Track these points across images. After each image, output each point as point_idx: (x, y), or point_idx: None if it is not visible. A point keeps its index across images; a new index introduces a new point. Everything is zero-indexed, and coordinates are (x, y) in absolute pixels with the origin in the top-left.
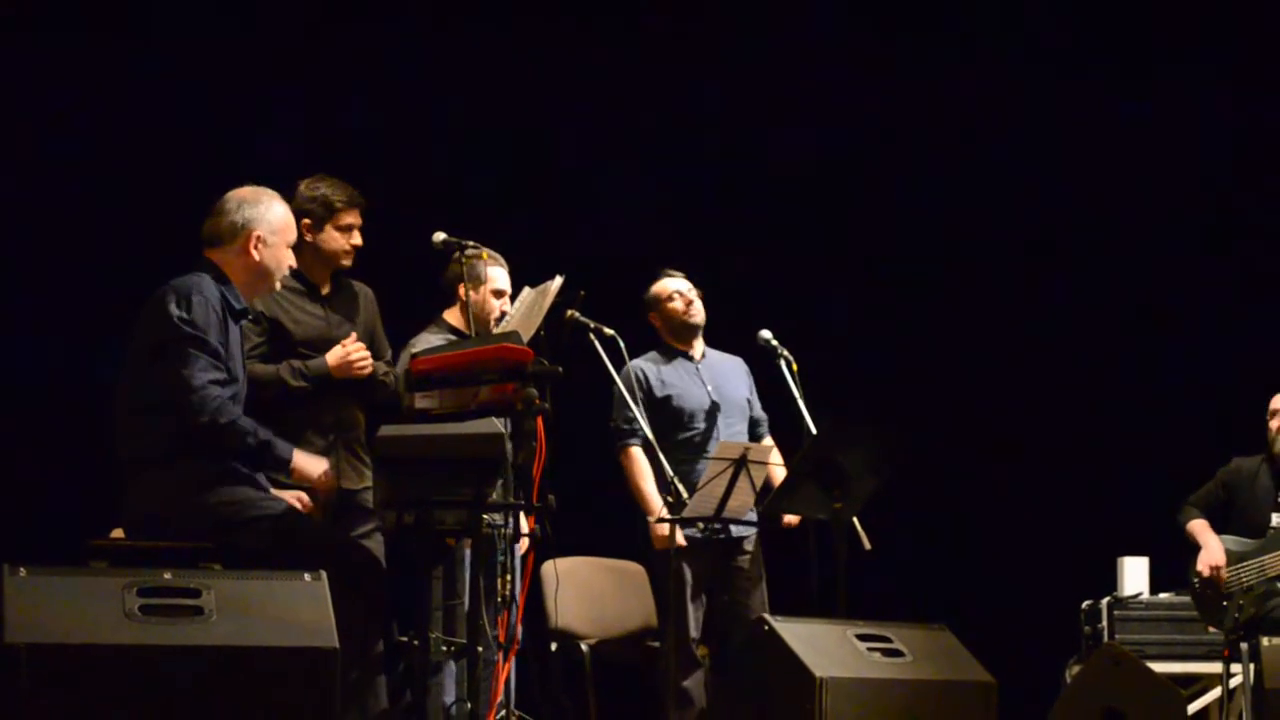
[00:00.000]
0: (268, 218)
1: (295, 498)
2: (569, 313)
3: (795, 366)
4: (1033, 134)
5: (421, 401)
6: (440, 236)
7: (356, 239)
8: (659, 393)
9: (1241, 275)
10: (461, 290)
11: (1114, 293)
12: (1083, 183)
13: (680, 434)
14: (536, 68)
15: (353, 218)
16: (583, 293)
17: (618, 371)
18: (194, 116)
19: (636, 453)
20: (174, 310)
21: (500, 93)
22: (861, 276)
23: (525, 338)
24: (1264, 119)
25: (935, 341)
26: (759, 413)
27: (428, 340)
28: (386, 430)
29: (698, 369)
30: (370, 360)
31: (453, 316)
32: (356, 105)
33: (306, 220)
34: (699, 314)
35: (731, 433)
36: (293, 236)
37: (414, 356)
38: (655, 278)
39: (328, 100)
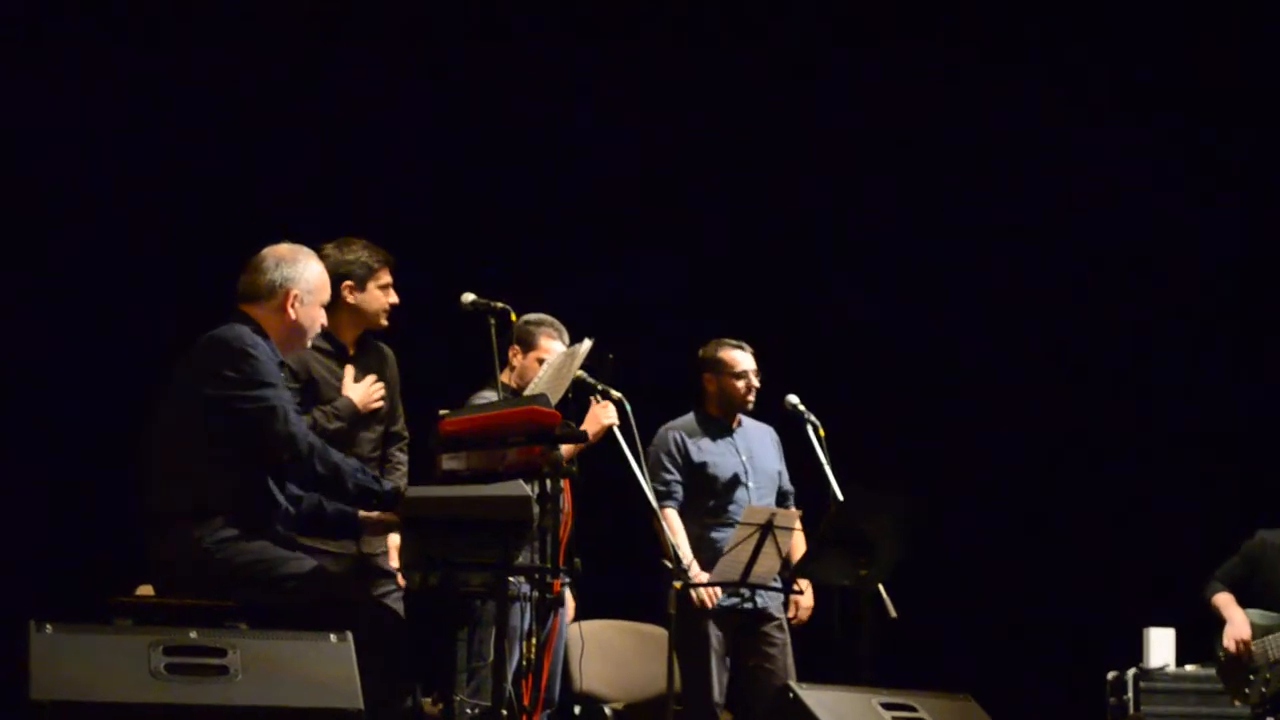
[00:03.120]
0: (305, 276)
1: None
2: (577, 372)
3: (823, 432)
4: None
5: (449, 463)
6: (469, 298)
7: (394, 297)
8: (695, 459)
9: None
10: (512, 353)
11: (1144, 365)
12: (1113, 264)
13: (711, 501)
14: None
15: (389, 276)
16: (611, 356)
17: (625, 437)
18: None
19: (672, 514)
20: (228, 371)
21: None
22: (890, 344)
23: (553, 400)
24: None
25: (963, 410)
26: (787, 485)
27: (487, 398)
28: (414, 491)
29: (734, 438)
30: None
31: (506, 379)
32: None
33: (349, 282)
34: (753, 397)
35: (762, 503)
36: (327, 296)
37: (441, 418)
38: (722, 343)
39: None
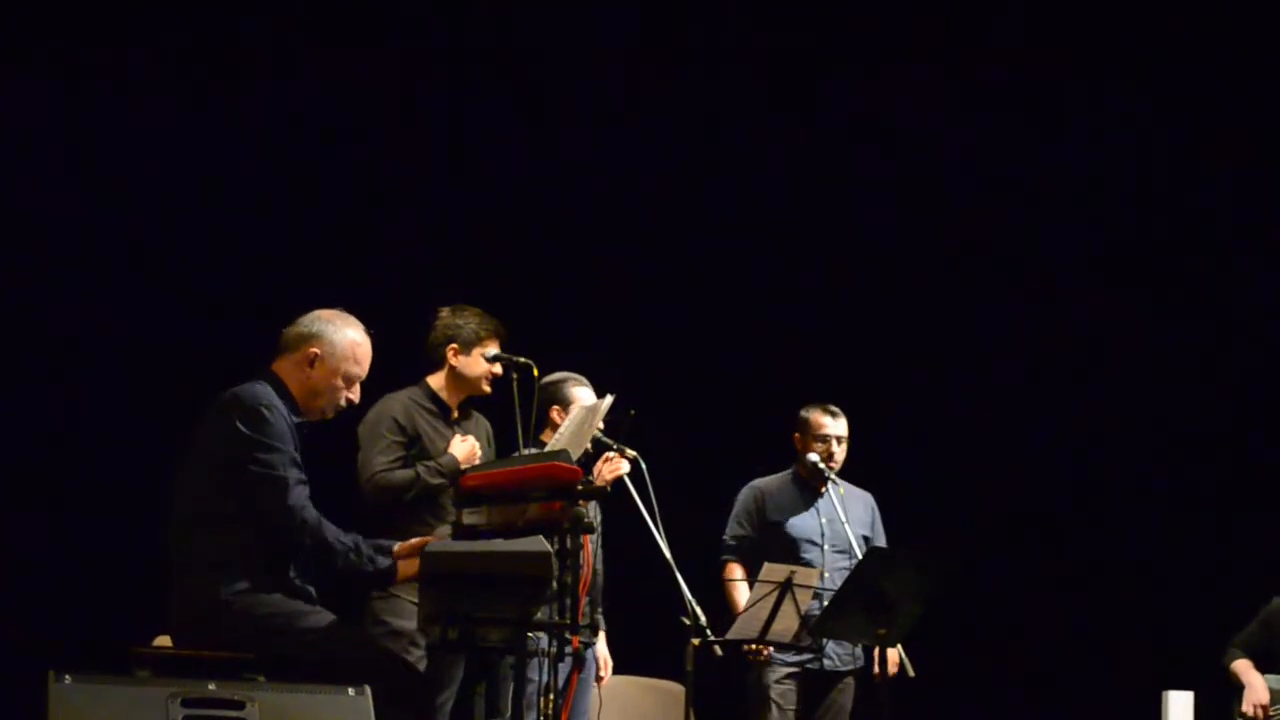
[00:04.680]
0: (334, 338)
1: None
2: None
3: (843, 491)
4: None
5: (469, 517)
6: (491, 352)
7: (497, 368)
8: (771, 517)
9: None
10: (554, 414)
11: (1166, 425)
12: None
13: (788, 561)
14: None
15: (496, 348)
16: (633, 412)
17: (640, 494)
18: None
19: (732, 568)
20: (242, 427)
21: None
22: (909, 405)
23: (574, 456)
24: None
25: (982, 471)
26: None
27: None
28: (434, 546)
29: (818, 498)
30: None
31: (548, 439)
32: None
33: (454, 345)
34: (835, 465)
35: (836, 567)
36: (356, 370)
37: (463, 474)
38: (812, 406)
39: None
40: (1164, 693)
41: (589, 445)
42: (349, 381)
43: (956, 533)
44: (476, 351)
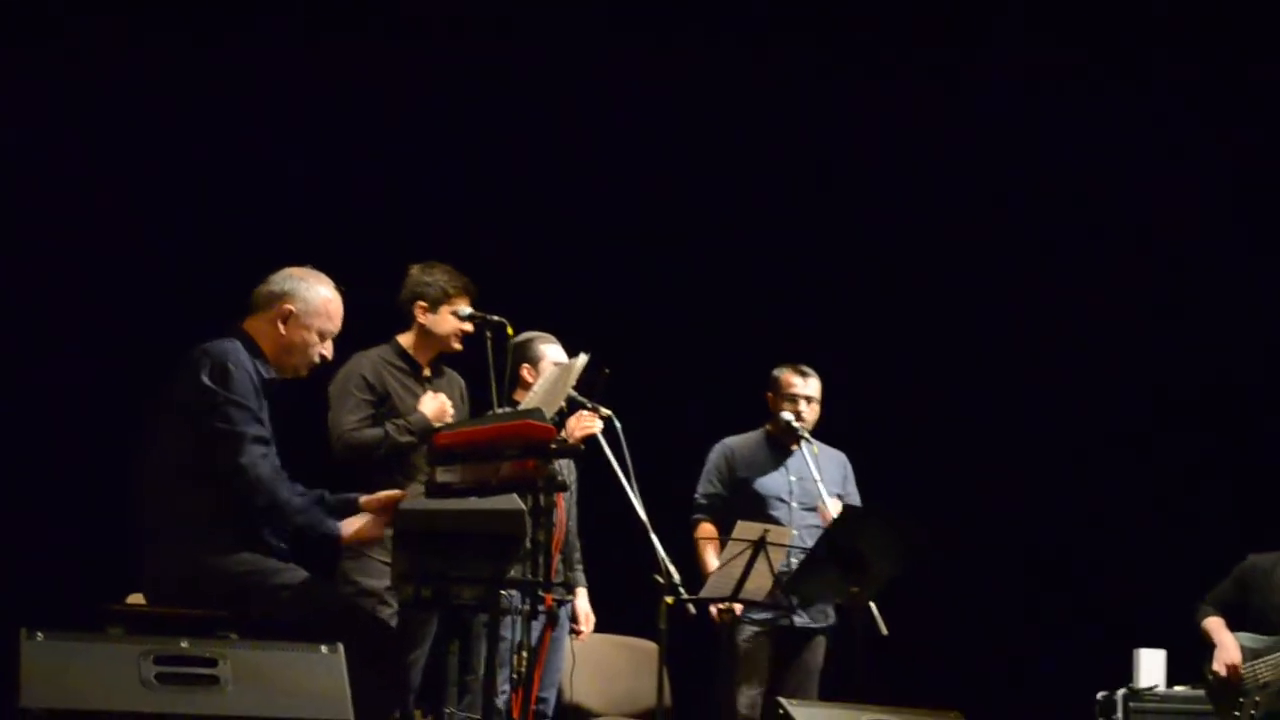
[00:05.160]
0: (306, 295)
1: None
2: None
3: (816, 450)
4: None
5: (443, 475)
6: (464, 310)
7: (468, 326)
8: (740, 474)
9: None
10: (525, 373)
11: (1135, 386)
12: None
13: (755, 518)
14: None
15: (465, 305)
16: (607, 371)
17: (614, 453)
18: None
19: (704, 527)
20: (207, 380)
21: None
22: (890, 366)
23: (548, 414)
24: None
25: (959, 430)
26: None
27: None
28: (407, 504)
29: (788, 456)
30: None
31: (520, 398)
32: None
33: (422, 302)
34: (805, 424)
35: (805, 525)
36: (329, 326)
37: (433, 432)
38: (788, 364)
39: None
40: (1135, 650)
41: (563, 404)
42: (323, 337)
43: (929, 490)
44: (444, 309)
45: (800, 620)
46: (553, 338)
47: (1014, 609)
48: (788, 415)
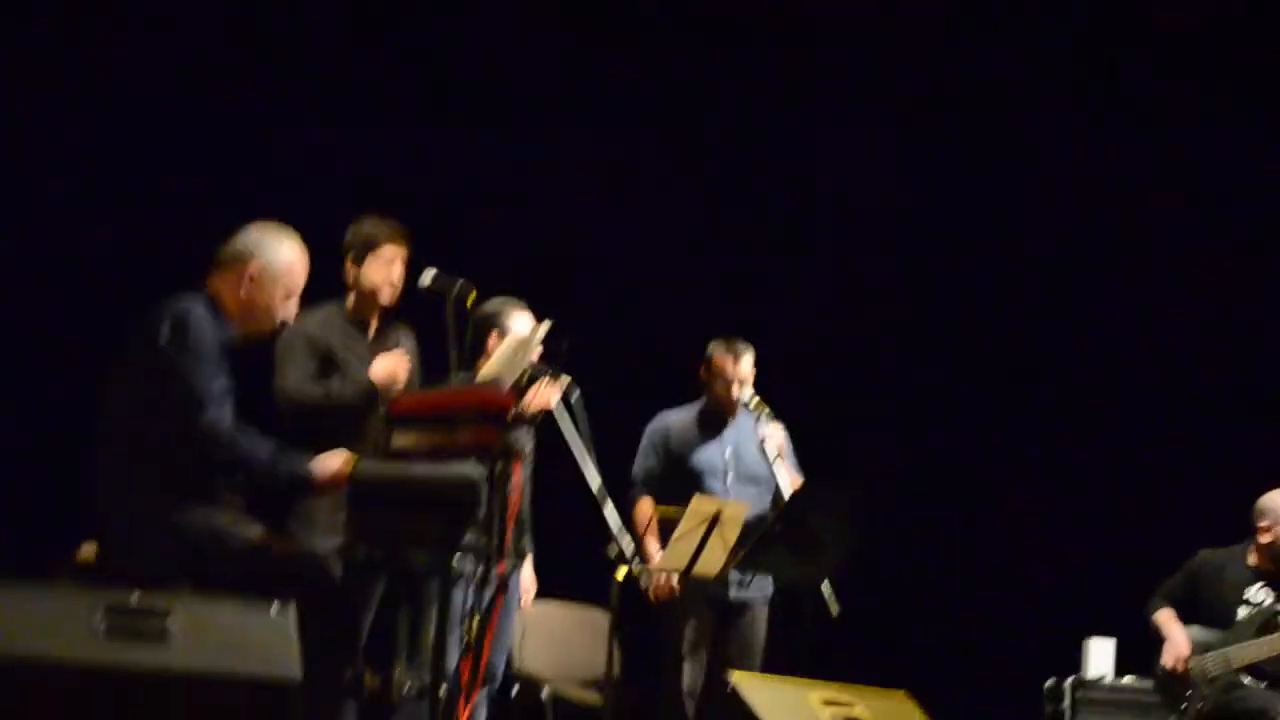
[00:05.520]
0: (270, 256)
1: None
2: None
3: (782, 429)
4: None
5: (400, 439)
6: (430, 274)
7: (396, 272)
8: (676, 449)
9: (1230, 364)
10: (491, 341)
11: (1100, 371)
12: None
13: (693, 493)
14: None
15: (393, 252)
16: (568, 340)
17: (574, 423)
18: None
19: (643, 502)
20: (166, 336)
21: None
22: (841, 336)
23: (507, 383)
24: None
25: (911, 408)
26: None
27: None
28: (363, 466)
29: (724, 430)
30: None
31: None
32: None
33: (350, 255)
34: (739, 402)
35: (745, 498)
36: (294, 284)
37: (395, 397)
38: (719, 343)
39: None
40: (1086, 639)
41: (523, 372)
42: (287, 297)
43: (882, 470)
44: (372, 258)
45: (735, 593)
46: (523, 305)
47: (964, 593)
48: (741, 395)
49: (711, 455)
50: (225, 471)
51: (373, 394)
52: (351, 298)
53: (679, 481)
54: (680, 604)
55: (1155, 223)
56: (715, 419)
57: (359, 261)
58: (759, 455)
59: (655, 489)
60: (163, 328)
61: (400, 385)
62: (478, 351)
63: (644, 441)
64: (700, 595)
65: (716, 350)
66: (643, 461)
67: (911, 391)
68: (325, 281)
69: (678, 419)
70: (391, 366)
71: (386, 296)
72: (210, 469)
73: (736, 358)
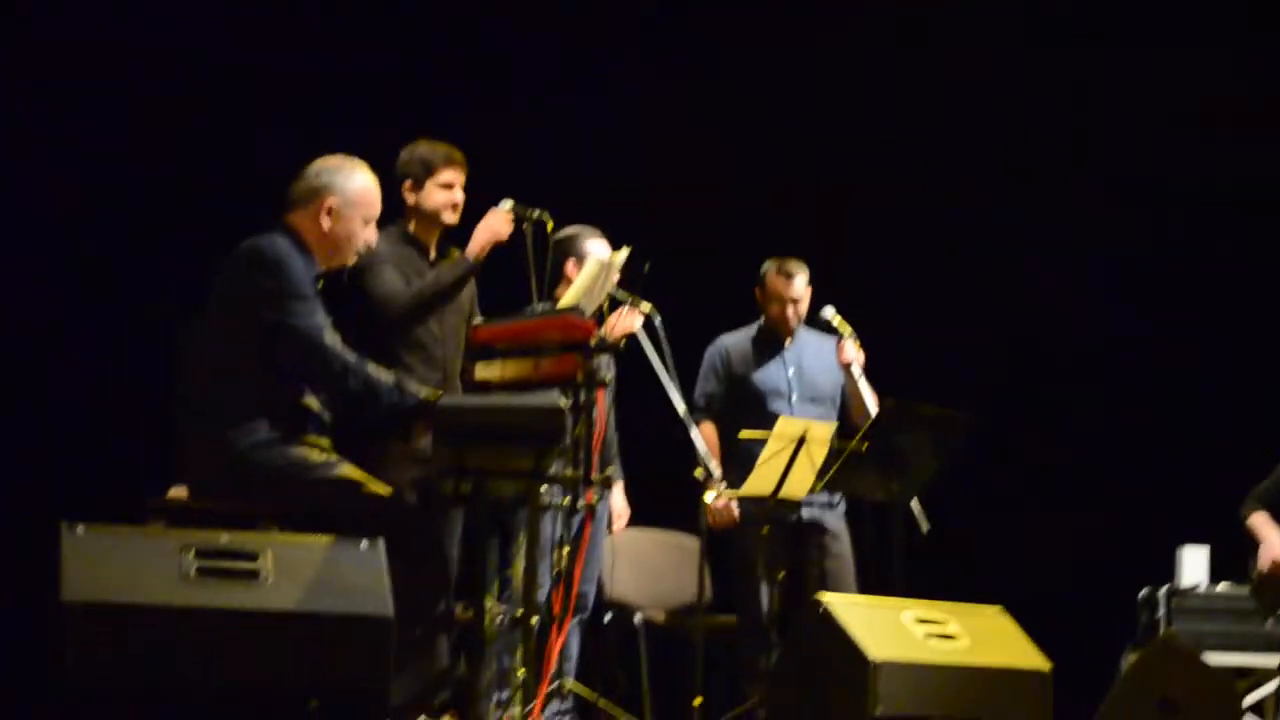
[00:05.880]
0: (345, 186)
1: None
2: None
3: (859, 344)
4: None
5: (482, 372)
6: (508, 204)
7: (457, 195)
8: (738, 371)
9: None
10: (569, 268)
11: (1178, 278)
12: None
13: (756, 415)
14: None
15: (451, 174)
16: (647, 266)
17: (654, 348)
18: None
19: (707, 428)
20: (264, 277)
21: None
22: (926, 257)
23: (589, 311)
24: None
25: (998, 324)
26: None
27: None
28: (447, 400)
29: (784, 350)
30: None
31: (563, 293)
32: None
33: (408, 182)
34: (795, 321)
35: (809, 417)
36: (372, 211)
37: (476, 327)
38: (773, 263)
39: None
40: (1178, 547)
41: (604, 300)
42: (366, 224)
43: (970, 385)
44: (430, 184)
45: (808, 513)
46: (598, 232)
47: (1055, 505)
48: (829, 311)
49: (774, 375)
50: (356, 397)
51: (472, 269)
52: (411, 222)
53: (742, 403)
54: (745, 529)
55: None
56: (773, 339)
57: (418, 185)
58: (822, 373)
59: (717, 412)
60: (258, 268)
61: (503, 238)
62: (556, 279)
63: (704, 365)
64: (768, 517)
65: (770, 270)
66: (703, 385)
67: (999, 302)
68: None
69: (735, 341)
70: (493, 225)
71: (449, 218)
72: (335, 400)
73: (790, 277)
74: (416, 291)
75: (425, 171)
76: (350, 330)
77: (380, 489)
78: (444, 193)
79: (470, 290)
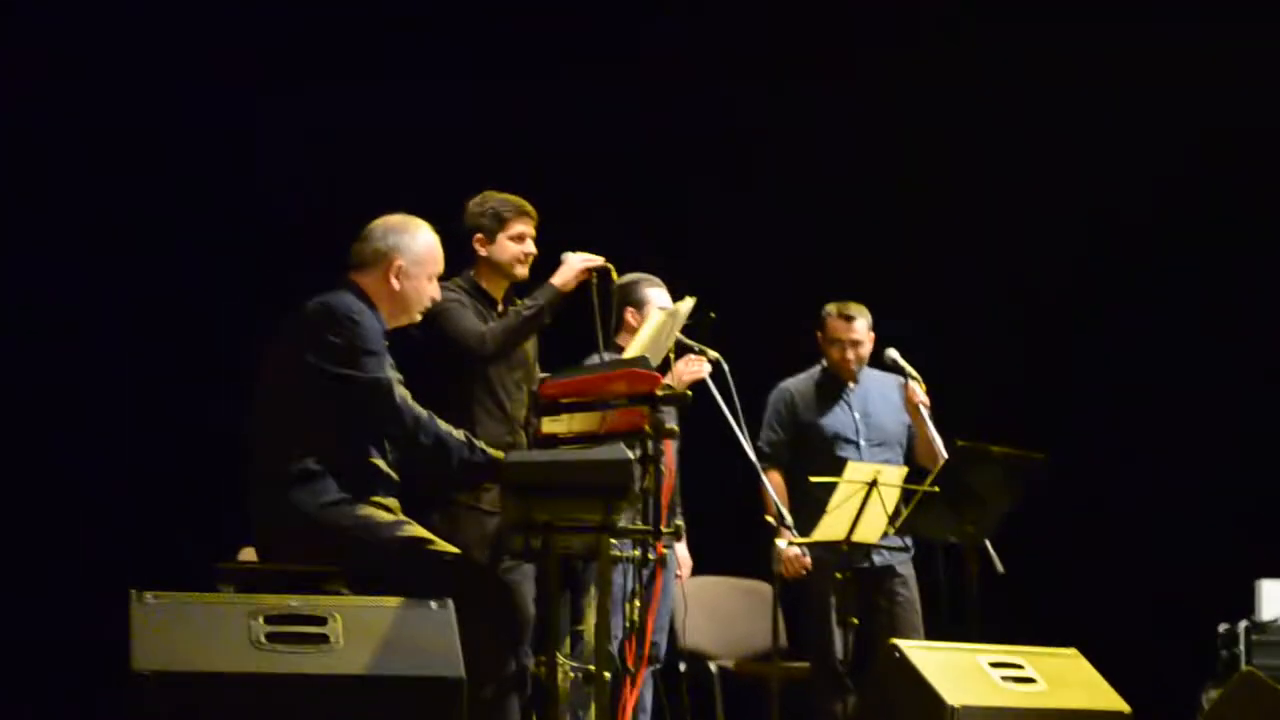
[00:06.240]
0: (412, 247)
1: None
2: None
3: (924, 387)
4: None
5: (550, 425)
6: (521, 231)
7: (529, 247)
8: (804, 417)
9: None
10: (629, 316)
11: (1259, 300)
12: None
13: (824, 460)
14: None
15: (524, 226)
16: (712, 314)
17: (722, 396)
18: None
19: (774, 475)
20: (334, 334)
21: None
22: (994, 293)
23: (655, 361)
24: None
25: (1070, 359)
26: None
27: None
28: (515, 455)
29: (848, 394)
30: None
31: (624, 342)
32: None
33: (479, 235)
34: (856, 364)
35: (877, 461)
36: (437, 269)
37: (541, 381)
38: (832, 306)
39: None
40: (1257, 581)
41: (670, 349)
42: (431, 279)
43: (1042, 423)
44: (502, 236)
45: (880, 559)
46: (658, 281)
47: (1132, 542)
48: (893, 353)
49: (841, 420)
50: (428, 454)
51: (560, 295)
52: (482, 274)
53: (808, 450)
54: (818, 575)
55: None
56: (836, 383)
57: (490, 239)
58: (888, 416)
59: (784, 460)
60: (329, 322)
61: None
62: (616, 328)
63: (768, 412)
64: (838, 564)
65: (830, 314)
66: (768, 434)
67: (1063, 330)
68: None
69: (799, 386)
70: (585, 257)
71: (520, 272)
72: (403, 457)
73: (850, 320)
74: (504, 324)
75: (497, 224)
76: (428, 380)
77: (448, 549)
78: (516, 245)
79: (533, 343)
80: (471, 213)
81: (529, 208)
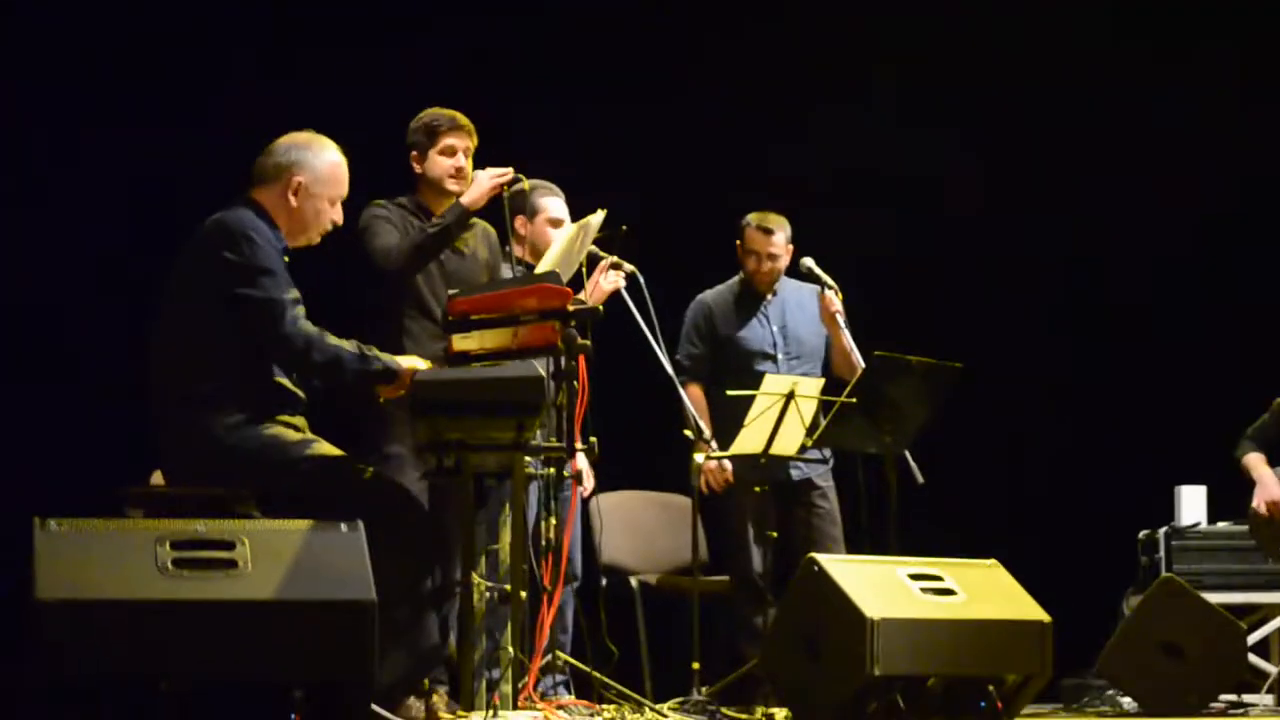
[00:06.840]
0: (314, 165)
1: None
2: (590, 247)
3: (841, 296)
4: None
5: (460, 343)
6: (450, 144)
7: (460, 161)
8: (722, 331)
9: None
10: (518, 224)
11: (1172, 218)
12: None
13: (742, 374)
14: None
15: (453, 139)
16: (624, 228)
17: (639, 309)
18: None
19: (694, 389)
20: (229, 252)
21: None
22: (911, 204)
23: (565, 276)
24: None
25: (986, 270)
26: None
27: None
28: (425, 374)
29: (766, 306)
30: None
31: (516, 251)
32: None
33: (414, 152)
34: (773, 276)
35: (796, 374)
36: (340, 191)
37: (451, 298)
38: (751, 218)
39: None
40: (1176, 487)
41: (582, 263)
42: (333, 203)
43: (960, 334)
44: (433, 152)
45: (798, 472)
46: (555, 188)
47: (1051, 452)
48: (809, 261)
49: (759, 334)
50: (321, 371)
51: (466, 213)
52: (423, 192)
53: (727, 363)
54: (737, 489)
55: None
56: (755, 296)
57: (423, 154)
58: (805, 327)
59: (703, 374)
60: (224, 242)
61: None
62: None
63: (685, 327)
64: (758, 478)
65: (749, 226)
66: (687, 348)
67: (988, 247)
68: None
69: (717, 300)
70: (495, 173)
71: (452, 186)
72: (298, 376)
73: (769, 234)
74: (410, 240)
75: (429, 139)
76: (361, 291)
77: (359, 466)
78: (447, 159)
79: (490, 261)
80: (410, 129)
81: (463, 120)
